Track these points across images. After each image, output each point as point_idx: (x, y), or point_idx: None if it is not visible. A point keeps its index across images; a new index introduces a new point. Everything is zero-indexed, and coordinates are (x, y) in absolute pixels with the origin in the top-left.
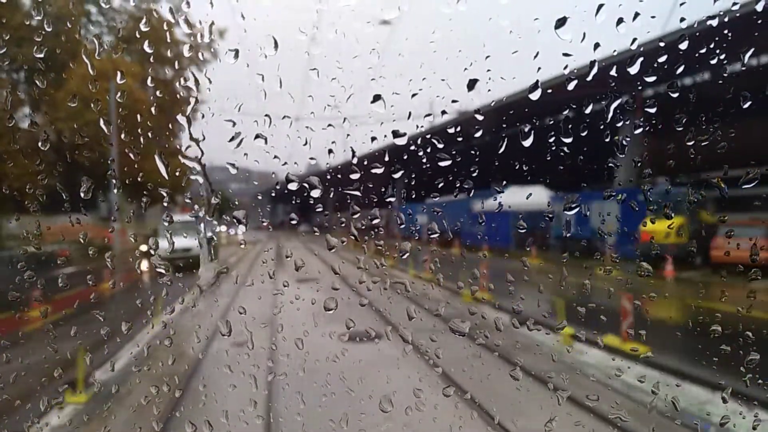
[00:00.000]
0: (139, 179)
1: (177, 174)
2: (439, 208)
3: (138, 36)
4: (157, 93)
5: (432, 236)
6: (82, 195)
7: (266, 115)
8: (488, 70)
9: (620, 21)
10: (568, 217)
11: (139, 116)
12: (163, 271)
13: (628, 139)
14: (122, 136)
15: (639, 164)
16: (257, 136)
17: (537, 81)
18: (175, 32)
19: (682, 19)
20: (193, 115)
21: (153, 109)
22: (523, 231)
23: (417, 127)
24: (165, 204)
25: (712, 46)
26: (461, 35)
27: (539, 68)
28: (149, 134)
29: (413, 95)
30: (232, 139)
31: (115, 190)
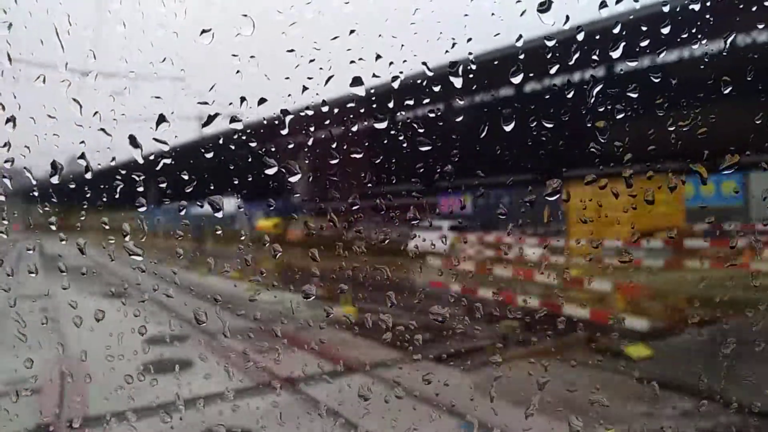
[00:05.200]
0: None
1: None
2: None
3: None
4: None
5: None
6: None
7: (242, 98)
8: (470, 53)
9: (603, 4)
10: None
11: None
12: None
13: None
14: None
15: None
16: (233, 119)
17: (518, 65)
18: None
19: (665, 3)
20: None
21: None
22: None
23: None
24: None
25: (693, 30)
26: (442, 17)
27: (522, 51)
28: None
29: (394, 78)
30: (206, 122)
31: None
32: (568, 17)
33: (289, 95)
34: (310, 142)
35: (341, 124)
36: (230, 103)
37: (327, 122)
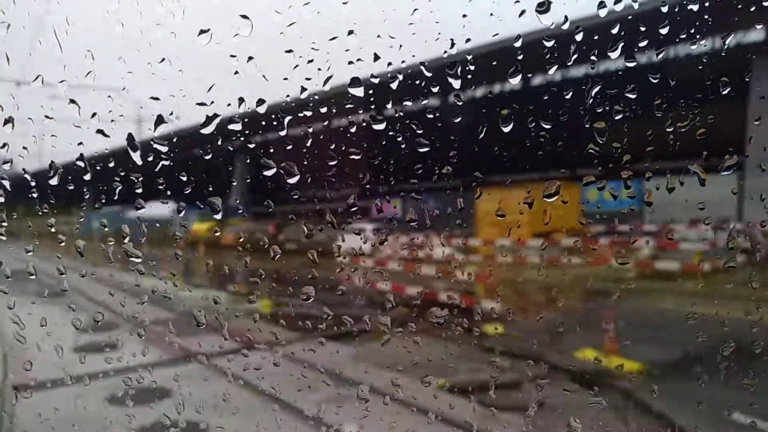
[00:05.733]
0: None
1: None
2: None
3: None
4: None
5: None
6: None
7: (240, 98)
8: (468, 54)
9: (602, 5)
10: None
11: None
12: None
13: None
14: None
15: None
16: (231, 121)
17: (517, 65)
18: None
19: (663, 3)
20: None
21: None
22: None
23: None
24: None
25: (692, 31)
26: (441, 17)
27: (520, 52)
28: None
29: (392, 78)
30: (204, 124)
31: None
32: (566, 17)
33: (287, 96)
34: (248, 147)
35: (279, 129)
36: (228, 104)
37: (265, 127)
